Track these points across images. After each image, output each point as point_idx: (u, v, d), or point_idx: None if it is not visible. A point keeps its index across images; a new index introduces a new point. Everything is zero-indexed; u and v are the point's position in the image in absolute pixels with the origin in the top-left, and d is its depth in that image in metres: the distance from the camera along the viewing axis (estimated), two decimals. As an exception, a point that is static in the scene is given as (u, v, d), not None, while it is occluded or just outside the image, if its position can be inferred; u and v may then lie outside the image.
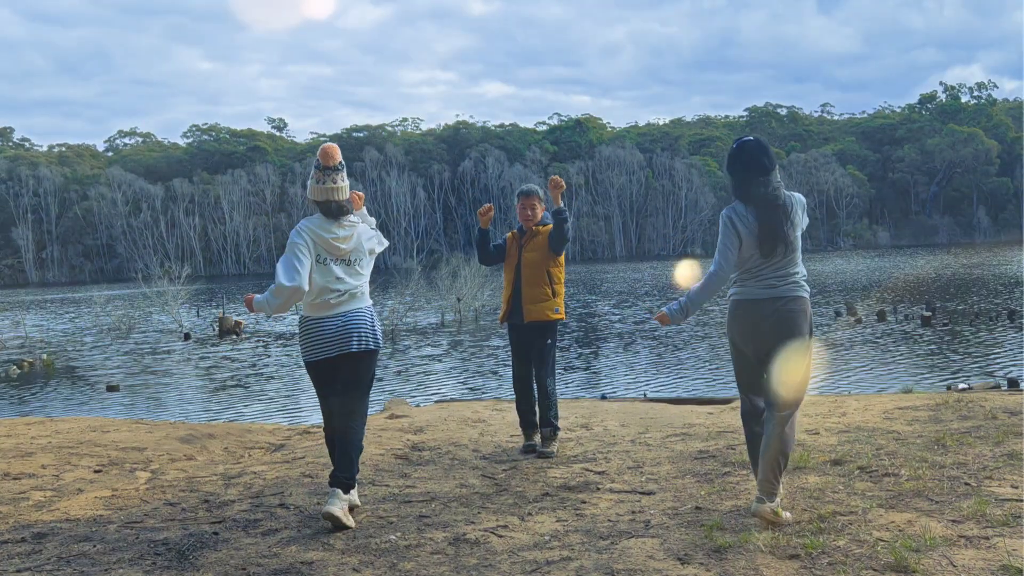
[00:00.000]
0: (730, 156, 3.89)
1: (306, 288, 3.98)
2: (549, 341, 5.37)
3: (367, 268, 4.22)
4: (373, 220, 4.36)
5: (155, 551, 3.60)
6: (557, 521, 3.93)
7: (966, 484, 4.03)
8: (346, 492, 3.98)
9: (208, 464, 5.73)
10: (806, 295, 3.83)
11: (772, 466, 3.68)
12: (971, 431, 5.22)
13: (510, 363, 5.88)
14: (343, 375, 4.10)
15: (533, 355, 5.38)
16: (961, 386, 8.94)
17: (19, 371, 16.72)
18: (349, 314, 4.08)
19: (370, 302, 4.24)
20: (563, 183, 5.26)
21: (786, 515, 3.65)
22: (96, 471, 5.50)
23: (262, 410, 11.62)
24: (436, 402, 8.91)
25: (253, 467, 5.48)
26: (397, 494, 4.54)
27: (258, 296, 4.06)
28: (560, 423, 5.57)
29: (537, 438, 5.43)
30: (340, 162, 4.13)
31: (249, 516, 4.15)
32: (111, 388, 13.82)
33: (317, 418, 10.61)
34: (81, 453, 6.01)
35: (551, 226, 5.29)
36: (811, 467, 4.58)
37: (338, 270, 4.07)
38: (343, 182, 4.10)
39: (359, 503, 4.17)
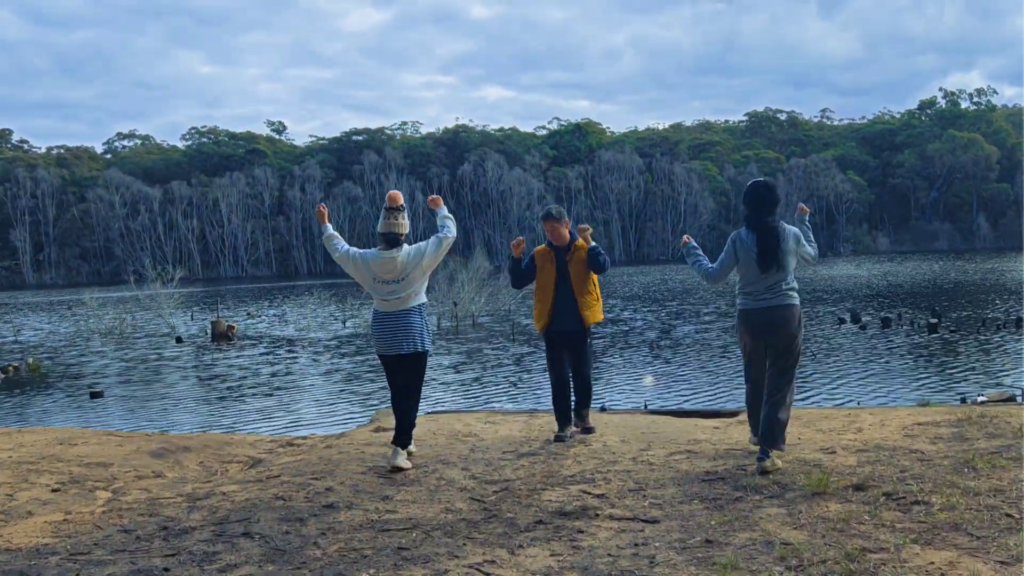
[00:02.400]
0: (746, 193, 5.01)
1: (338, 257, 5.54)
2: (590, 340, 6.09)
3: (419, 282, 5.39)
4: (450, 221, 5.57)
5: (94, 592, 3.19)
6: (551, 555, 3.52)
7: (1007, 515, 3.62)
8: (403, 448, 5.35)
9: (176, 483, 5.32)
10: (796, 303, 4.99)
11: (778, 424, 4.84)
12: (1001, 451, 4.81)
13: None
14: (400, 368, 5.42)
15: (575, 354, 5.99)
16: (979, 399, 8.53)
17: (3, 376, 16.29)
18: (399, 318, 5.33)
19: (422, 301, 5.44)
20: (591, 228, 6.07)
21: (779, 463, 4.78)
22: (54, 490, 5.08)
23: (249, 418, 11.19)
24: (427, 413, 8.48)
25: (224, 486, 5.06)
26: (376, 520, 4.12)
27: (334, 237, 5.62)
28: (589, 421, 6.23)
29: (570, 430, 5.98)
30: (401, 204, 5.38)
31: (208, 548, 3.73)
32: (95, 395, 13.38)
33: (302, 430, 10.19)
34: (41, 470, 5.59)
35: (582, 243, 5.96)
36: (831, 492, 4.17)
37: (385, 289, 5.33)
38: (404, 220, 5.35)
39: (410, 465, 5.30)
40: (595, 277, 6.05)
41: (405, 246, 5.35)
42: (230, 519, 4.19)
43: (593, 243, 5.95)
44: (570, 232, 6.02)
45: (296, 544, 3.75)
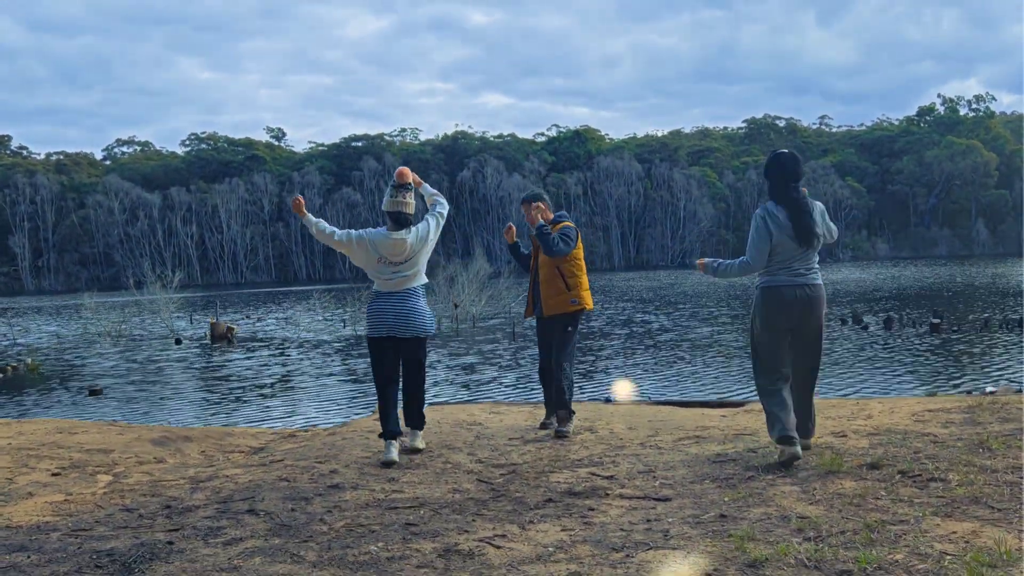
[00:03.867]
0: (769, 163, 4.63)
1: (333, 242, 5.15)
2: (569, 329, 5.68)
3: (423, 262, 5.21)
4: (441, 196, 5.41)
5: (96, 563, 3.11)
6: (562, 530, 3.45)
7: (1027, 490, 3.55)
8: (419, 429, 5.25)
9: (178, 467, 5.24)
10: (822, 282, 4.67)
11: (810, 413, 4.67)
12: (1016, 433, 4.75)
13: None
14: (401, 352, 5.17)
15: (554, 343, 5.72)
16: (989, 389, 8.47)
17: (2, 376, 16.19)
18: (402, 300, 5.11)
19: (425, 281, 5.27)
20: (542, 208, 5.71)
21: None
22: (54, 474, 5.01)
23: (250, 415, 11.11)
24: (429, 404, 8.42)
25: (227, 470, 4.99)
26: (382, 499, 4.06)
27: (318, 219, 5.14)
28: (565, 426, 5.68)
29: (555, 419, 5.69)
30: (410, 182, 5.15)
31: (212, 523, 3.66)
32: (93, 392, 13.29)
33: (303, 422, 10.11)
34: (41, 455, 5.52)
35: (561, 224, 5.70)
36: (845, 471, 4.10)
37: (390, 270, 5.09)
38: (412, 199, 5.13)
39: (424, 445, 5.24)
40: (570, 264, 5.65)
41: (412, 227, 5.15)
42: (234, 498, 4.12)
43: (541, 221, 5.56)
44: (556, 217, 5.76)
45: (302, 520, 3.68)
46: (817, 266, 4.63)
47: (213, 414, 11.35)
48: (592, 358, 15.58)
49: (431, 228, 5.24)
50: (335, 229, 5.22)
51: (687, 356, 15.31)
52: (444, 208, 5.38)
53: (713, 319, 22.92)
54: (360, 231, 5.19)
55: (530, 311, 5.94)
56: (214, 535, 3.47)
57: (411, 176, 5.17)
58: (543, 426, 5.88)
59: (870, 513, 3.37)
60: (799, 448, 4.28)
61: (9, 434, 6.39)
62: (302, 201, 5.24)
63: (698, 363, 14.33)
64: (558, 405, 5.65)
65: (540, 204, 5.73)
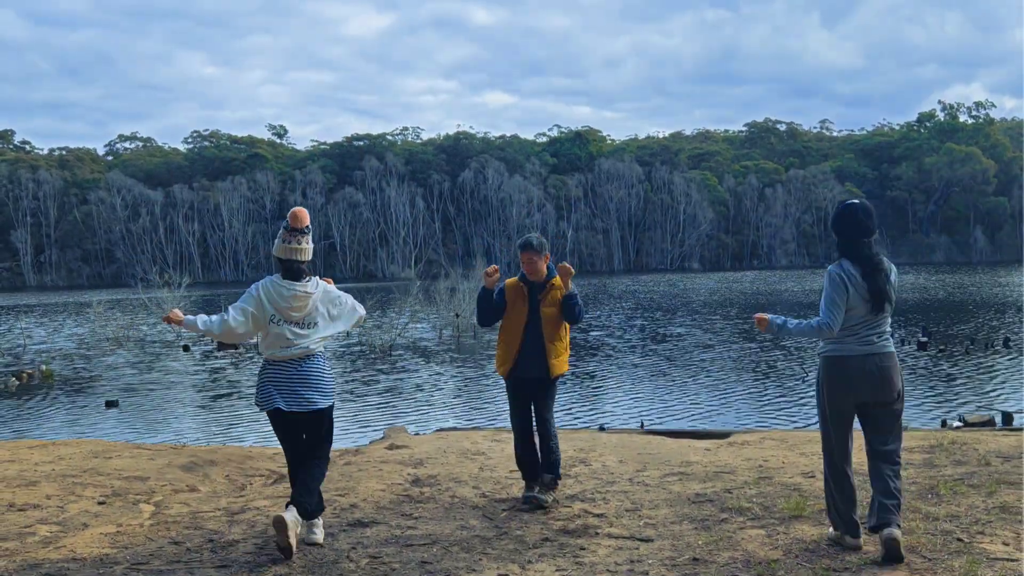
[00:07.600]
0: (840, 216, 4.24)
1: (241, 331, 4.42)
2: (555, 388, 5.42)
3: (322, 335, 4.50)
4: (343, 300, 4.61)
5: (163, 598, 3.66)
6: (556, 570, 4.00)
7: (958, 539, 4.11)
8: (314, 517, 4.46)
9: (211, 496, 5.79)
10: (895, 351, 4.23)
11: (896, 496, 4.05)
12: (965, 478, 5.31)
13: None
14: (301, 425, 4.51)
15: (540, 402, 5.32)
16: (955, 424, 9.04)
17: (17, 383, 16.69)
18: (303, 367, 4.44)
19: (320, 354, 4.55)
20: (572, 271, 5.32)
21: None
22: (100, 503, 5.56)
23: (263, 431, 11.64)
24: (436, 431, 8.97)
25: (256, 501, 5.54)
26: (399, 536, 4.61)
27: (203, 318, 4.44)
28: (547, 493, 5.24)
29: (538, 487, 5.23)
30: (307, 226, 4.45)
31: (254, 559, 4.22)
32: (110, 404, 13.83)
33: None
34: (85, 483, 6.07)
35: (559, 281, 5.30)
36: (806, 516, 4.66)
37: (287, 330, 4.39)
38: (308, 244, 4.45)
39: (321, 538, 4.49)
40: (566, 324, 5.39)
41: (315, 278, 4.48)
42: (268, 533, 4.67)
43: (572, 288, 5.28)
44: (548, 267, 5.35)
45: (331, 558, 4.24)
46: (889, 331, 4.21)
47: (227, 426, 11.89)
48: (587, 378, 16.10)
49: (345, 304, 4.59)
50: (235, 313, 4.40)
51: (689, 376, 15.85)
52: (362, 310, 4.73)
53: (731, 334, 23.45)
54: (250, 294, 4.44)
55: (508, 369, 5.33)
56: (258, 572, 4.02)
57: (308, 219, 4.47)
58: (528, 500, 5.16)
59: (821, 560, 3.93)
60: (861, 540, 4.08)
61: (50, 458, 6.95)
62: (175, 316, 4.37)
63: (697, 384, 14.86)
64: (552, 469, 5.28)
65: (548, 256, 5.37)
